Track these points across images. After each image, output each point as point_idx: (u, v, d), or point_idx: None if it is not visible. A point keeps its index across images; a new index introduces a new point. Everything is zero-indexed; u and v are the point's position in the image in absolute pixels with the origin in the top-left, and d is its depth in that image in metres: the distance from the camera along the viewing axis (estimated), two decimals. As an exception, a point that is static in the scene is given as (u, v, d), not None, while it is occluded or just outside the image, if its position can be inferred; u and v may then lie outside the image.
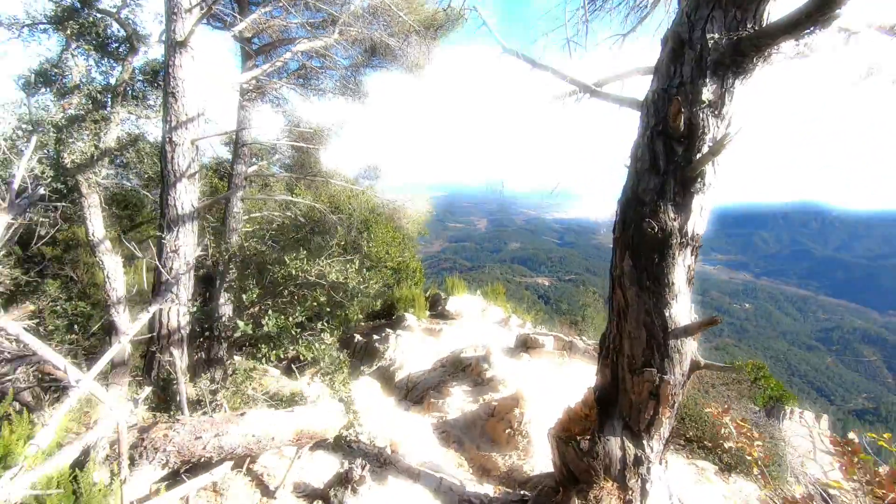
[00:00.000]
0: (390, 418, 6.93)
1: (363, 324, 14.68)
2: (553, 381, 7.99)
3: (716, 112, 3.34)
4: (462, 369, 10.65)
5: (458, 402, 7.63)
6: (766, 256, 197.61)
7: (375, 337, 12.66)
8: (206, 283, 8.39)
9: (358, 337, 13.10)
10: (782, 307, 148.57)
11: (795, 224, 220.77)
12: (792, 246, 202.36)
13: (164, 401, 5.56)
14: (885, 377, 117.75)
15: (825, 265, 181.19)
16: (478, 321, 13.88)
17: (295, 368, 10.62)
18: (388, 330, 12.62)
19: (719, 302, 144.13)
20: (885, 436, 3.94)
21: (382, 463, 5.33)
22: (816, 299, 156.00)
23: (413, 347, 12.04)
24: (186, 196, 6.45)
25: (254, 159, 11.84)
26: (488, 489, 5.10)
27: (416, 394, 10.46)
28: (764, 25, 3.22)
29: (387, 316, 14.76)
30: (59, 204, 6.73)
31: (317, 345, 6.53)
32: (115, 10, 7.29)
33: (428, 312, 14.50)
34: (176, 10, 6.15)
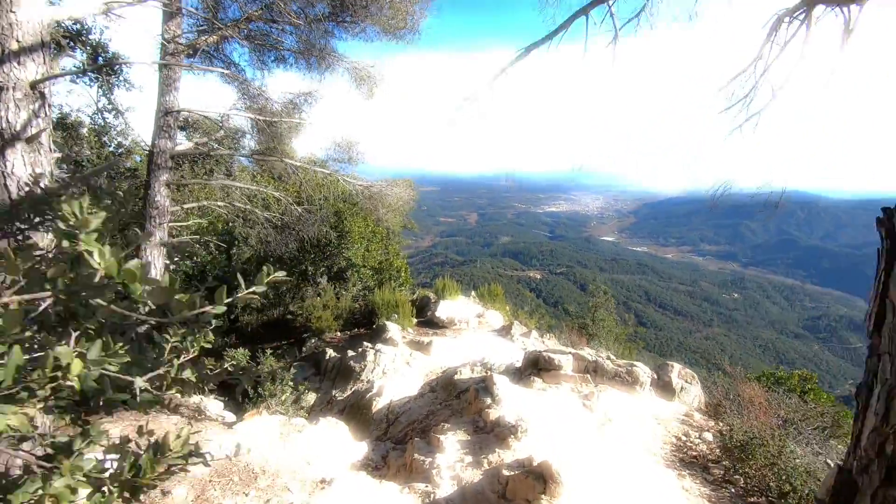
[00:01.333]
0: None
1: (338, 333, 12.34)
2: (585, 428, 5.71)
3: None
4: (457, 396, 8.36)
5: (453, 458, 5.36)
6: (754, 246, 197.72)
7: (351, 353, 10.32)
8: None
9: (330, 352, 10.75)
10: (770, 296, 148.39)
11: (782, 214, 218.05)
12: (778, 235, 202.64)
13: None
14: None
15: (811, 254, 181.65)
16: (474, 330, 11.60)
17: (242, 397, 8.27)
18: (365, 344, 10.28)
19: (709, 292, 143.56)
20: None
21: None
22: (803, 288, 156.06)
23: (396, 366, 9.72)
24: (25, 170, 4.09)
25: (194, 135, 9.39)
26: None
27: (398, 430, 8.15)
28: None
29: (367, 323, 12.43)
30: None
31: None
32: None
33: (415, 320, 12.18)
34: None
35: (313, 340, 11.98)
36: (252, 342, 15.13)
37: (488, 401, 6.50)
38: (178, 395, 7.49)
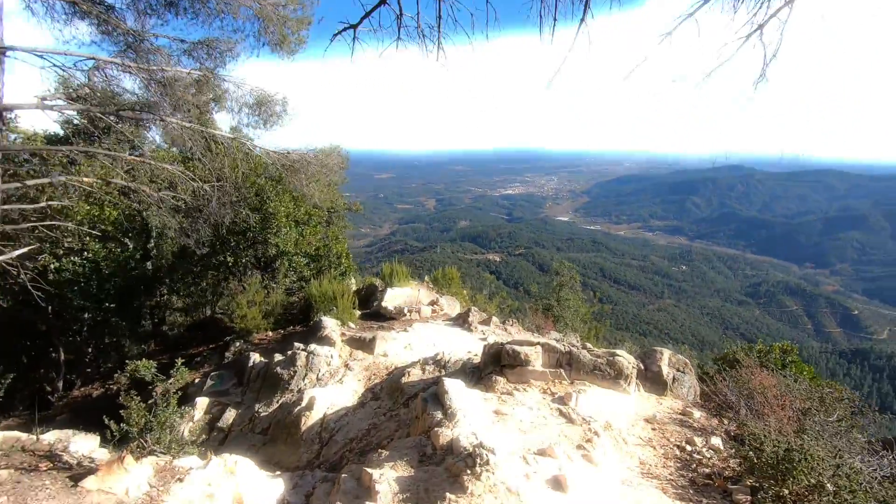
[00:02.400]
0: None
1: (269, 333, 10.47)
2: (564, 447, 4.24)
3: None
4: (405, 403, 6.79)
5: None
6: (699, 220, 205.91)
7: (279, 357, 8.52)
8: None
9: (256, 357, 8.90)
10: (715, 266, 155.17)
11: (723, 188, 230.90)
12: (720, 209, 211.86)
13: None
14: (806, 324, 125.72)
15: (750, 225, 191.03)
16: (427, 320, 10.02)
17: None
18: (296, 345, 8.50)
19: (659, 265, 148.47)
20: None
21: None
22: (744, 257, 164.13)
23: (333, 370, 8.02)
24: None
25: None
26: None
27: (333, 451, 6.50)
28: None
29: (305, 320, 10.61)
30: None
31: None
32: None
33: (358, 312, 10.47)
34: None
35: (238, 343, 10.07)
36: (175, 348, 13.00)
37: (438, 415, 4.94)
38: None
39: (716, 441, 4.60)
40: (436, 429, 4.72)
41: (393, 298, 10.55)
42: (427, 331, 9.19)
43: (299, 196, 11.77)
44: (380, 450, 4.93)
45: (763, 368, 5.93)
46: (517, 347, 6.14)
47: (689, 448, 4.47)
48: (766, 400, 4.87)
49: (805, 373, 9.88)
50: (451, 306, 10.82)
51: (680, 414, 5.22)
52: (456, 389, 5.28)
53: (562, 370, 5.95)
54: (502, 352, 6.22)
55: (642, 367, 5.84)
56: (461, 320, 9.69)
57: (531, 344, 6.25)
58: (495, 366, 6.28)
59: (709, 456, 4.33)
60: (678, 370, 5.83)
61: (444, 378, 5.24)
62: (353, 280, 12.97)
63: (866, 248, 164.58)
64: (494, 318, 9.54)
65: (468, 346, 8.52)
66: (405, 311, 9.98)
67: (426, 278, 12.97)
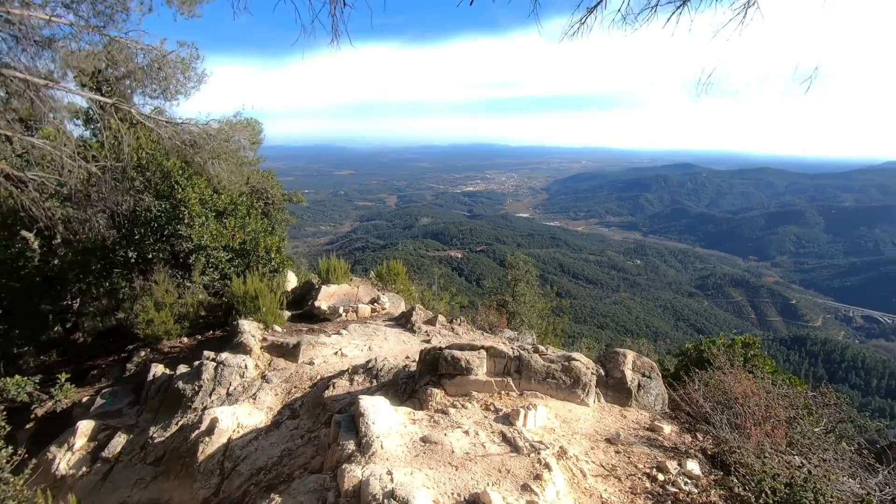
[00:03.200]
0: None
1: (184, 340, 9.00)
2: (506, 489, 3.22)
3: None
4: (326, 422, 5.62)
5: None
6: (651, 216, 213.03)
7: (183, 369, 7.14)
8: None
9: (157, 370, 7.46)
10: (667, 260, 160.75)
11: (674, 185, 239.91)
12: (672, 205, 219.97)
13: None
14: (750, 313, 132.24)
15: (699, 220, 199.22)
16: (365, 320, 8.84)
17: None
18: (206, 354, 7.14)
19: (615, 260, 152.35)
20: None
21: None
22: (693, 251, 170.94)
23: (246, 383, 6.74)
24: None
25: None
26: None
27: (235, 485, 5.26)
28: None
29: (226, 324, 9.21)
30: None
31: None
32: None
33: (289, 313, 9.16)
34: None
35: (143, 353, 8.56)
36: (79, 359, 11.25)
37: (350, 446, 3.81)
38: None
39: (692, 466, 3.70)
40: (344, 465, 3.59)
41: (328, 297, 9.30)
42: (363, 333, 8.02)
43: (239, 183, 10.32)
44: (273, 495, 3.76)
45: (739, 370, 5.14)
46: (458, 353, 5.09)
47: (661, 477, 3.55)
48: (749, 410, 4.04)
49: (769, 367, 9.38)
50: (395, 304, 9.68)
51: (648, 430, 4.32)
52: (377, 411, 4.16)
53: (510, 379, 4.94)
54: (440, 359, 5.15)
55: (603, 373, 4.92)
56: (404, 320, 8.56)
57: (474, 348, 5.22)
58: (432, 375, 5.21)
59: (686, 488, 3.42)
60: (644, 375, 4.96)
61: (361, 397, 4.11)
62: (291, 278, 11.62)
63: (802, 241, 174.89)
64: (441, 317, 8.48)
65: (409, 349, 7.42)
66: (340, 310, 8.75)
67: (371, 273, 11.77)
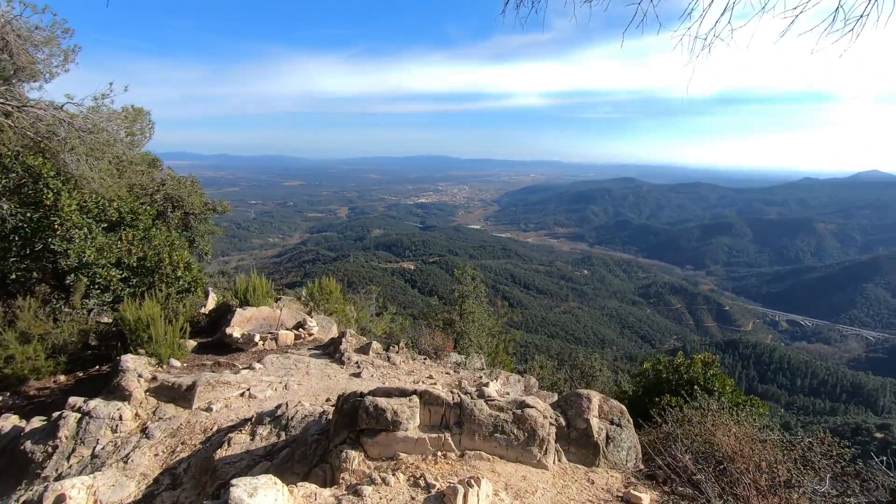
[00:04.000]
0: None
1: (62, 378, 7.28)
2: None
3: None
4: (214, 494, 4.28)
5: None
6: (597, 227, 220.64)
7: (38, 423, 5.55)
8: None
9: (8, 422, 5.80)
10: (612, 270, 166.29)
11: (617, 198, 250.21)
12: (616, 217, 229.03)
13: None
14: (688, 320, 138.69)
15: (641, 232, 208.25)
16: (287, 349, 7.50)
17: None
18: (71, 401, 5.58)
19: (563, 270, 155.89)
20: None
21: None
22: (636, 261, 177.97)
23: (121, 439, 5.26)
24: None
25: None
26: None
27: None
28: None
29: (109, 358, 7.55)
30: None
31: None
32: None
33: (194, 343, 7.66)
34: None
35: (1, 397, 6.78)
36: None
37: (211, 563, 2.58)
38: None
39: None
40: None
41: (244, 322, 7.88)
42: (282, 366, 6.69)
43: (116, 186, 8.69)
44: None
45: (721, 415, 4.31)
46: (383, 402, 3.94)
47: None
48: (746, 470, 3.17)
49: (728, 389, 8.84)
50: (326, 329, 8.38)
51: (622, 501, 3.36)
52: (262, 492, 2.94)
53: (448, 435, 3.84)
54: (360, 409, 3.99)
55: (563, 423, 3.93)
56: (332, 349, 7.30)
57: (404, 393, 4.09)
58: (350, 430, 4.03)
59: None
60: (612, 422, 4.01)
61: (234, 485, 2.88)
62: (214, 298, 10.03)
63: (734, 251, 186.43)
64: (375, 345, 7.27)
65: (334, 386, 6.18)
66: (256, 338, 7.36)
67: (303, 291, 10.35)
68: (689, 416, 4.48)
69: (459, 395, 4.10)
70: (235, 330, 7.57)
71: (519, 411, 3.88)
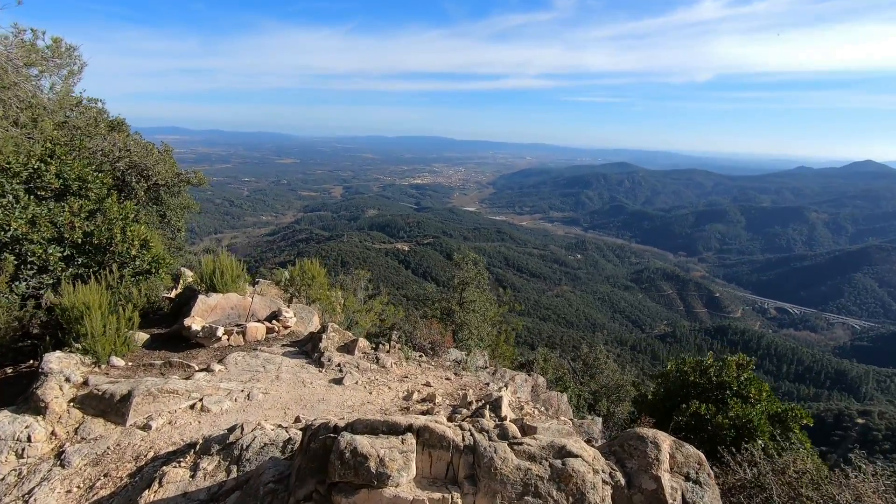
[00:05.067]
0: None
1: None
2: None
3: None
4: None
5: None
6: (592, 212, 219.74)
7: (-76, 442, 4.33)
8: None
9: None
10: (605, 255, 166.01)
11: (613, 183, 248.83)
12: (610, 202, 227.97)
13: None
14: (679, 305, 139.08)
15: (635, 217, 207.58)
16: (255, 345, 6.28)
17: None
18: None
19: (557, 254, 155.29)
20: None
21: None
22: (630, 247, 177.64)
23: (27, 467, 4.05)
24: None
25: None
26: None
27: None
28: None
29: (58, 347, 6.29)
30: None
31: None
32: None
33: (146, 336, 6.41)
34: None
35: None
36: None
37: None
38: None
39: None
40: None
41: (207, 311, 6.62)
42: (247, 368, 5.47)
43: (58, 146, 7.32)
44: None
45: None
46: (365, 444, 2.74)
47: None
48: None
49: (765, 395, 7.76)
50: (305, 320, 7.15)
51: None
52: None
53: (456, 496, 2.65)
54: (333, 453, 2.78)
55: (623, 481, 2.73)
56: (311, 346, 6.08)
57: (395, 428, 2.88)
58: (319, 480, 2.83)
59: None
60: (688, 477, 2.81)
61: None
62: (189, 277, 8.76)
63: (726, 238, 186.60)
64: (362, 342, 6.05)
65: (310, 397, 4.98)
66: (219, 332, 6.11)
67: (285, 273, 9.07)
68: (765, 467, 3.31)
69: (472, 434, 2.89)
70: (195, 321, 6.31)
71: (559, 462, 2.68)
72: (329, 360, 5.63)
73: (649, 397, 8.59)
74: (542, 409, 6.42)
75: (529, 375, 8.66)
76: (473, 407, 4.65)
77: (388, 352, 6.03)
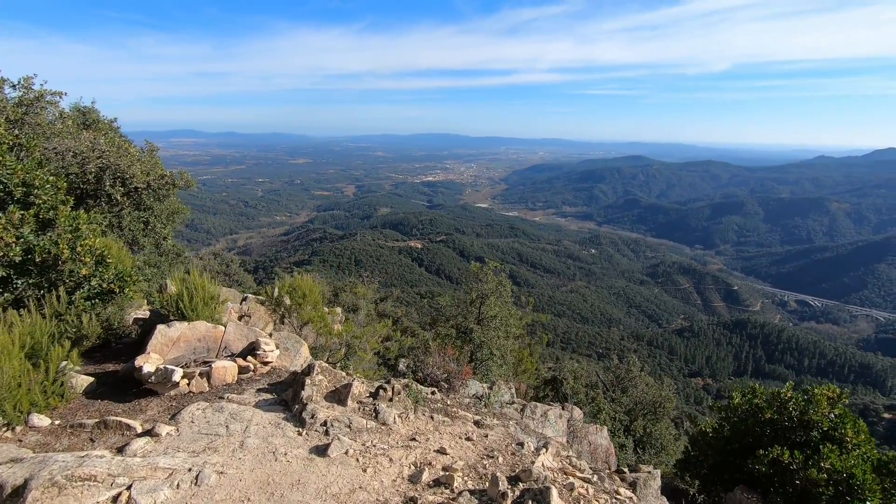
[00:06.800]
0: None
1: None
2: None
3: None
4: None
5: None
6: (606, 206, 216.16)
7: None
8: None
9: None
10: (620, 249, 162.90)
11: (627, 177, 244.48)
12: (625, 196, 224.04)
13: None
14: (696, 299, 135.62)
15: (650, 211, 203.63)
16: (221, 390, 4.91)
17: None
18: None
19: (571, 249, 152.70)
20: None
21: None
22: (645, 241, 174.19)
23: None
24: None
25: None
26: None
27: None
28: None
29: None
30: None
31: None
32: None
33: (89, 380, 5.09)
34: None
35: None
36: None
37: None
38: None
39: None
40: None
41: (168, 345, 5.27)
42: (204, 431, 4.10)
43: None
44: None
45: None
46: None
47: None
48: None
49: (862, 434, 6.18)
50: (292, 351, 5.77)
51: None
52: None
53: None
54: None
55: None
56: (292, 392, 4.70)
57: None
58: None
59: None
60: None
61: None
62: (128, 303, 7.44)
63: (744, 230, 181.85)
64: (356, 386, 4.59)
65: (280, 480, 3.58)
66: (175, 377, 4.73)
67: (276, 288, 7.69)
68: None
69: None
70: (150, 360, 4.95)
71: None
72: (312, 417, 4.22)
73: (710, 434, 7.04)
74: (585, 462, 4.96)
75: (563, 409, 7.17)
76: (509, 500, 3.21)
77: (390, 400, 4.60)
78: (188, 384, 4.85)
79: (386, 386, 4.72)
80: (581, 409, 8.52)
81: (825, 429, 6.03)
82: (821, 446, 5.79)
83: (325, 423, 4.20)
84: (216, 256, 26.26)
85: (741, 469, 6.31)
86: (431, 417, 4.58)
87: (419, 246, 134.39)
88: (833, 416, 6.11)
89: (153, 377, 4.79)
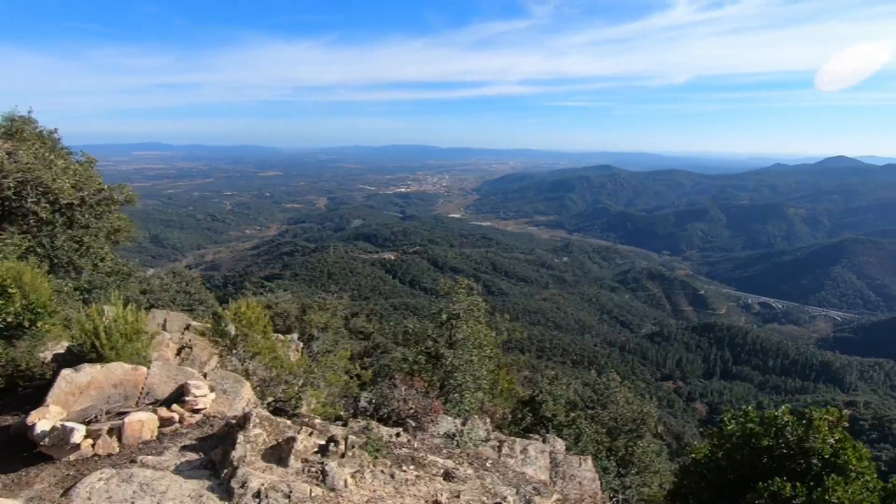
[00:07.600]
0: None
1: None
2: None
3: None
4: None
5: None
6: (576, 215, 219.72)
7: None
8: None
9: None
10: (591, 257, 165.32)
11: (595, 186, 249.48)
12: (594, 205, 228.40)
13: None
14: (665, 304, 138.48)
15: (619, 218, 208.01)
16: (140, 450, 4.03)
17: None
18: None
19: (543, 258, 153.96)
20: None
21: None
22: (615, 248, 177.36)
23: None
24: None
25: None
26: None
27: None
28: None
29: None
30: None
31: None
32: None
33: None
34: None
35: None
36: None
37: None
38: None
39: None
40: None
41: (75, 395, 4.34)
42: (101, 511, 3.23)
43: None
44: None
45: None
46: None
47: None
48: None
49: (864, 460, 5.73)
50: (231, 393, 4.91)
51: None
52: None
53: None
54: None
55: None
56: (222, 451, 3.86)
57: None
58: None
59: None
60: None
61: None
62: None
63: (708, 236, 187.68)
64: (300, 441, 3.75)
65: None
66: (74, 437, 3.84)
67: (224, 315, 6.79)
68: None
69: None
70: (47, 416, 4.02)
71: None
72: (243, 486, 3.40)
73: (701, 463, 6.48)
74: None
75: (545, 441, 6.50)
76: None
77: (342, 456, 3.81)
78: (93, 445, 3.94)
79: (338, 438, 3.93)
80: (561, 433, 7.87)
81: (826, 456, 5.54)
82: (824, 476, 5.29)
83: (258, 494, 3.38)
84: (175, 275, 24.64)
85: None
86: (392, 475, 3.81)
87: (393, 257, 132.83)
88: (833, 441, 5.64)
89: (47, 438, 3.86)
